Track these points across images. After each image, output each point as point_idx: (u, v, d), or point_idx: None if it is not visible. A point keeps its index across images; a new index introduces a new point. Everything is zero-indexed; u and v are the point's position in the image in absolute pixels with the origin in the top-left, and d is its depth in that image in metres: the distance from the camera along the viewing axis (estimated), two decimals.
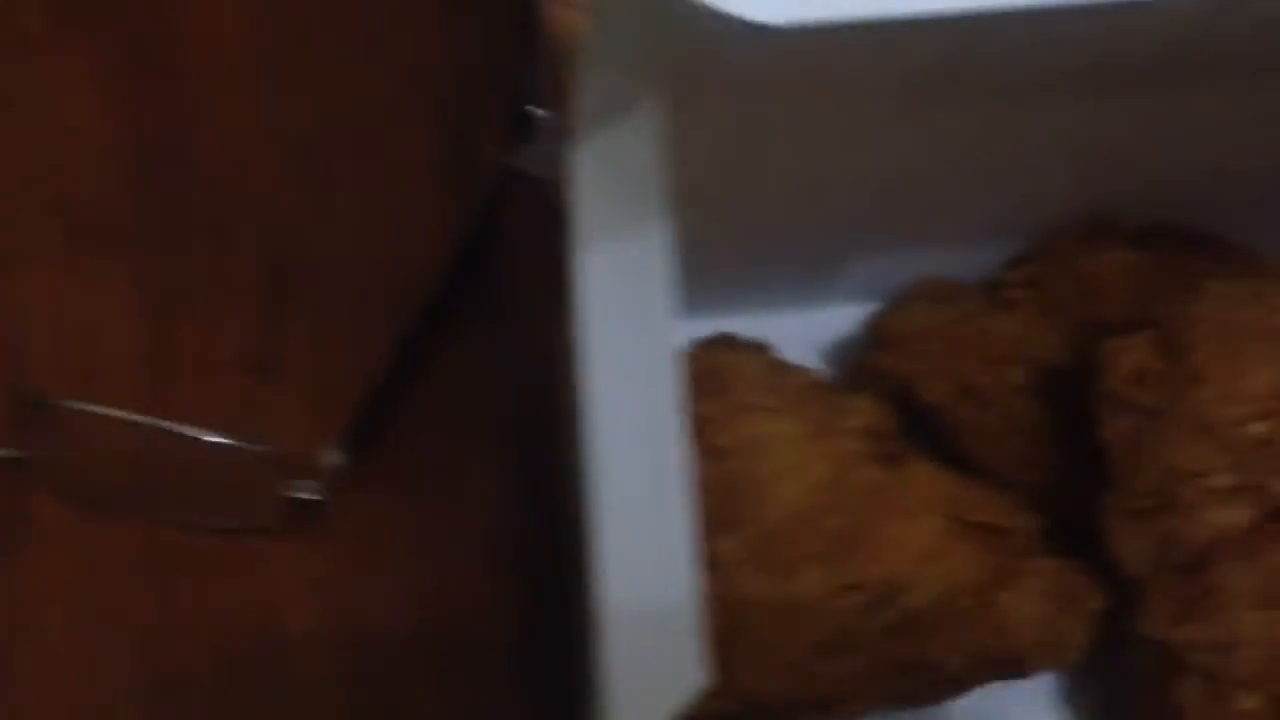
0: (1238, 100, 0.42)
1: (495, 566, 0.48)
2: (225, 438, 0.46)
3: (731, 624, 0.41)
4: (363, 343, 0.50)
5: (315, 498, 0.47)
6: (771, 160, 0.43)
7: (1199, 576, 0.39)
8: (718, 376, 0.44)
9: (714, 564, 0.41)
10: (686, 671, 0.33)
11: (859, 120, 0.40)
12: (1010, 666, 0.41)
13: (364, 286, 0.52)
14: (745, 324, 0.49)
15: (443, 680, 0.47)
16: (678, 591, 0.34)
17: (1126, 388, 0.38)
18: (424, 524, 0.49)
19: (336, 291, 0.52)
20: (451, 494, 0.49)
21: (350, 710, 0.47)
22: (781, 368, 0.45)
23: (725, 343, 0.47)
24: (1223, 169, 0.45)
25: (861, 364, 0.47)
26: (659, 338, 0.37)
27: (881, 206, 0.46)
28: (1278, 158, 0.45)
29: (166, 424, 0.46)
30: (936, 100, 0.40)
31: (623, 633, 0.34)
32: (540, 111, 0.51)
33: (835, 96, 0.39)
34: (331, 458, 0.47)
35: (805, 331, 0.50)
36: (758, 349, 0.47)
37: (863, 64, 0.36)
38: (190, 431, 0.46)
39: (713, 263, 0.48)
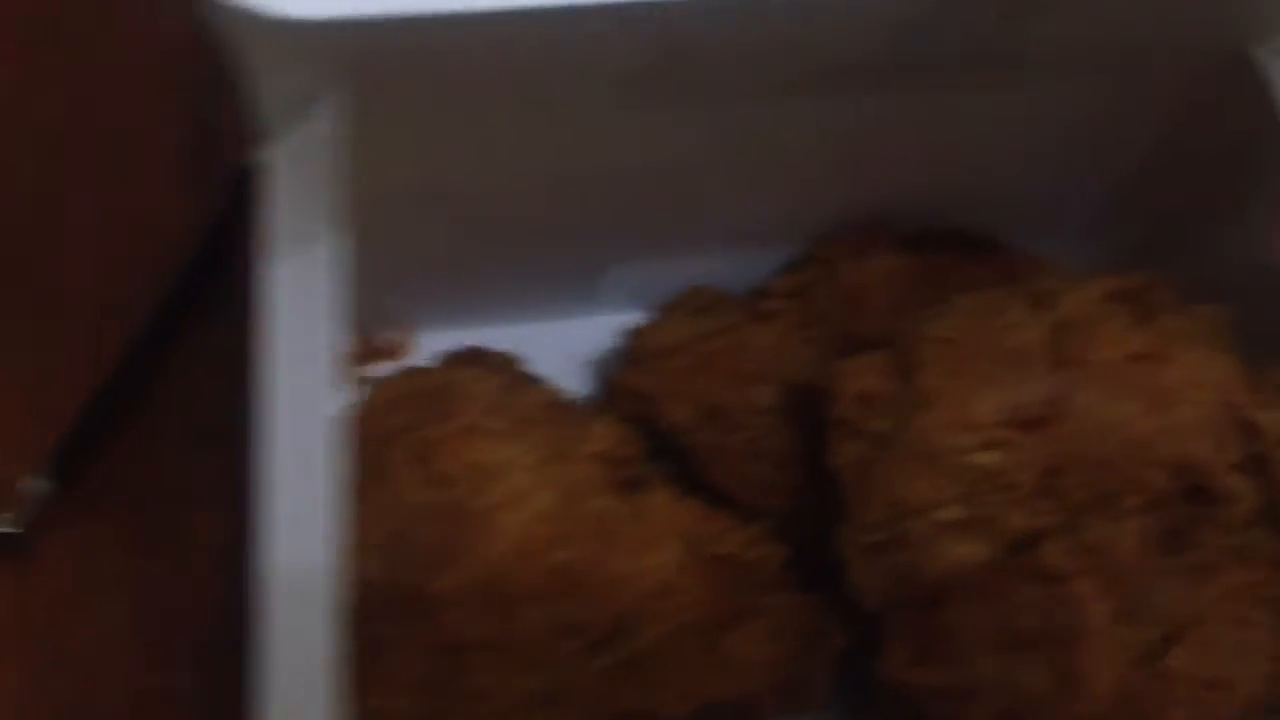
0: (993, 100, 0.39)
1: (221, 605, 0.44)
2: None
3: (448, 668, 0.38)
4: (86, 354, 0.46)
5: (12, 530, 0.43)
6: (501, 162, 0.39)
7: (936, 615, 0.36)
8: (446, 396, 0.41)
9: (433, 604, 0.38)
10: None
11: (579, 118, 0.37)
12: (744, 714, 0.38)
13: (89, 290, 0.48)
14: (502, 336, 0.46)
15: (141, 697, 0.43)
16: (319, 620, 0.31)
17: (855, 411, 0.35)
18: (142, 555, 0.45)
19: (56, 297, 0.47)
20: (175, 524, 0.45)
21: None
22: (518, 387, 0.41)
23: (465, 358, 0.44)
24: (992, 171, 0.43)
25: (611, 382, 0.43)
26: (323, 349, 0.34)
27: (634, 210, 0.43)
28: (1045, 158, 0.42)
29: None
30: (658, 98, 0.37)
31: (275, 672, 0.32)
32: None
33: (540, 93, 0.36)
34: (35, 486, 0.43)
35: (566, 343, 0.47)
36: (501, 365, 0.44)
37: (541, 61, 0.33)
38: None
39: (465, 271, 0.45)
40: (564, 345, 0.47)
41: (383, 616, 0.38)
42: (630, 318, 0.47)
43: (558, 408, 0.41)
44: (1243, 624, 0.37)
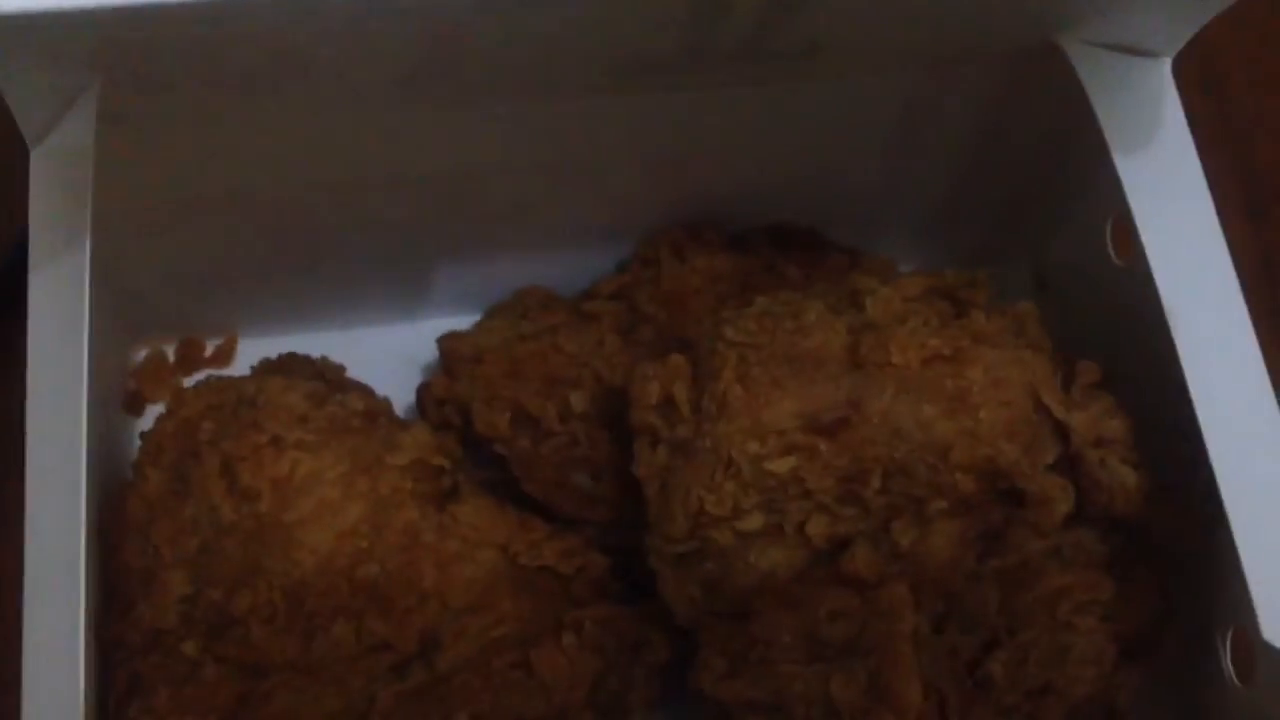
0: (806, 96, 0.38)
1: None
2: None
3: (247, 693, 0.37)
4: None
5: None
6: (293, 162, 0.38)
7: (746, 626, 0.35)
8: (253, 406, 0.39)
9: (232, 623, 0.37)
10: None
11: (363, 118, 0.36)
12: None
13: None
14: (331, 341, 0.45)
15: None
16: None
17: (655, 419, 0.34)
18: None
19: None
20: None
21: None
22: (329, 396, 0.40)
23: (277, 366, 0.43)
24: (816, 168, 0.42)
25: (424, 389, 0.42)
26: (80, 354, 0.34)
27: (454, 212, 0.42)
28: (867, 154, 0.42)
29: None
30: (443, 97, 0.36)
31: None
32: None
33: (315, 91, 0.35)
34: None
35: (395, 349, 0.46)
36: (314, 373, 0.42)
37: (305, 57, 0.33)
38: None
39: (284, 275, 0.44)
40: (390, 350, 0.46)
41: (189, 635, 0.37)
42: (460, 321, 0.46)
43: (369, 417, 0.40)
44: (1064, 628, 0.37)
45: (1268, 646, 0.33)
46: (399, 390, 0.44)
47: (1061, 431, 0.35)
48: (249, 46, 0.32)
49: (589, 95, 0.37)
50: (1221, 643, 0.37)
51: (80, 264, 0.34)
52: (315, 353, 0.45)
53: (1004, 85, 0.40)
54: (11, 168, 0.46)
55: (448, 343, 0.42)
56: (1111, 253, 0.40)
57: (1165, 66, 0.39)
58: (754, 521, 0.34)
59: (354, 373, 0.45)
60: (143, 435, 0.41)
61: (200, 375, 0.46)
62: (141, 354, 0.46)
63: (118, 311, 0.43)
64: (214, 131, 0.36)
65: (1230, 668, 0.37)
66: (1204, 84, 0.54)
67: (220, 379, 0.42)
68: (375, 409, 0.41)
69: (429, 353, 0.46)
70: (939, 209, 0.46)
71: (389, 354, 0.46)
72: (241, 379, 0.41)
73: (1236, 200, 0.53)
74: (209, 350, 0.47)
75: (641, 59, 0.34)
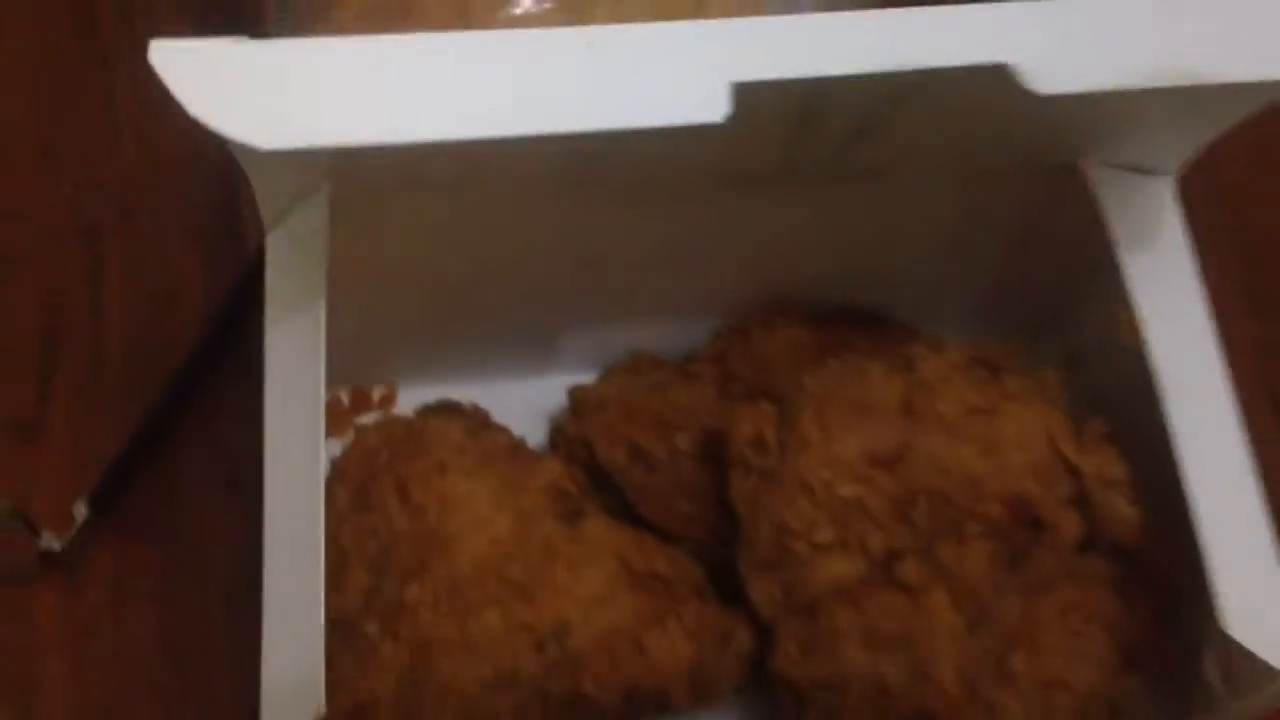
0: (869, 201, 0.48)
1: (235, 610, 0.52)
2: None
3: (418, 663, 0.46)
4: (125, 405, 0.55)
5: (56, 548, 0.51)
6: (464, 249, 0.48)
7: (816, 620, 0.44)
8: (421, 439, 0.49)
9: (405, 609, 0.46)
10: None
11: (525, 215, 0.46)
12: (661, 702, 0.46)
13: (128, 352, 0.56)
14: (474, 392, 0.55)
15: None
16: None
17: (747, 452, 0.44)
18: (169, 572, 0.53)
19: (102, 357, 0.56)
20: (195, 544, 0.53)
21: None
22: (481, 432, 0.50)
23: (439, 409, 0.52)
24: (877, 259, 0.51)
25: (557, 429, 0.52)
26: (312, 405, 0.42)
27: (581, 286, 0.52)
28: (920, 250, 0.51)
29: None
30: (585, 200, 0.45)
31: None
32: None
33: (490, 198, 0.45)
34: (79, 511, 0.51)
35: (529, 399, 0.55)
36: (468, 414, 0.52)
37: (485, 173, 0.42)
38: None
39: (440, 336, 0.53)
40: (525, 400, 0.55)
41: (369, 618, 0.46)
42: (583, 377, 0.55)
43: (514, 450, 0.49)
44: (1076, 634, 0.45)
45: (1228, 638, 0.41)
46: (530, 434, 0.54)
47: (1074, 473, 0.44)
48: (443, 163, 0.42)
49: (698, 200, 0.46)
50: (1208, 651, 0.45)
51: (316, 328, 0.43)
52: (462, 400, 0.55)
53: (1038, 198, 0.49)
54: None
55: (578, 392, 0.52)
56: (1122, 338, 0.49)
57: (1169, 183, 0.48)
58: (825, 535, 0.43)
59: (496, 418, 0.54)
60: (332, 461, 0.50)
61: (369, 416, 0.56)
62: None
63: None
64: (409, 224, 0.46)
65: (1214, 672, 0.45)
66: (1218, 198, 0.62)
67: (395, 417, 0.51)
68: (518, 444, 0.50)
69: (555, 403, 0.55)
70: (983, 298, 0.55)
71: (523, 403, 0.54)
72: (410, 418, 0.51)
73: (1240, 297, 0.61)
74: (376, 396, 0.56)
75: (744, 173, 0.44)
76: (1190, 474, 0.42)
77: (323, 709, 0.39)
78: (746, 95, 0.36)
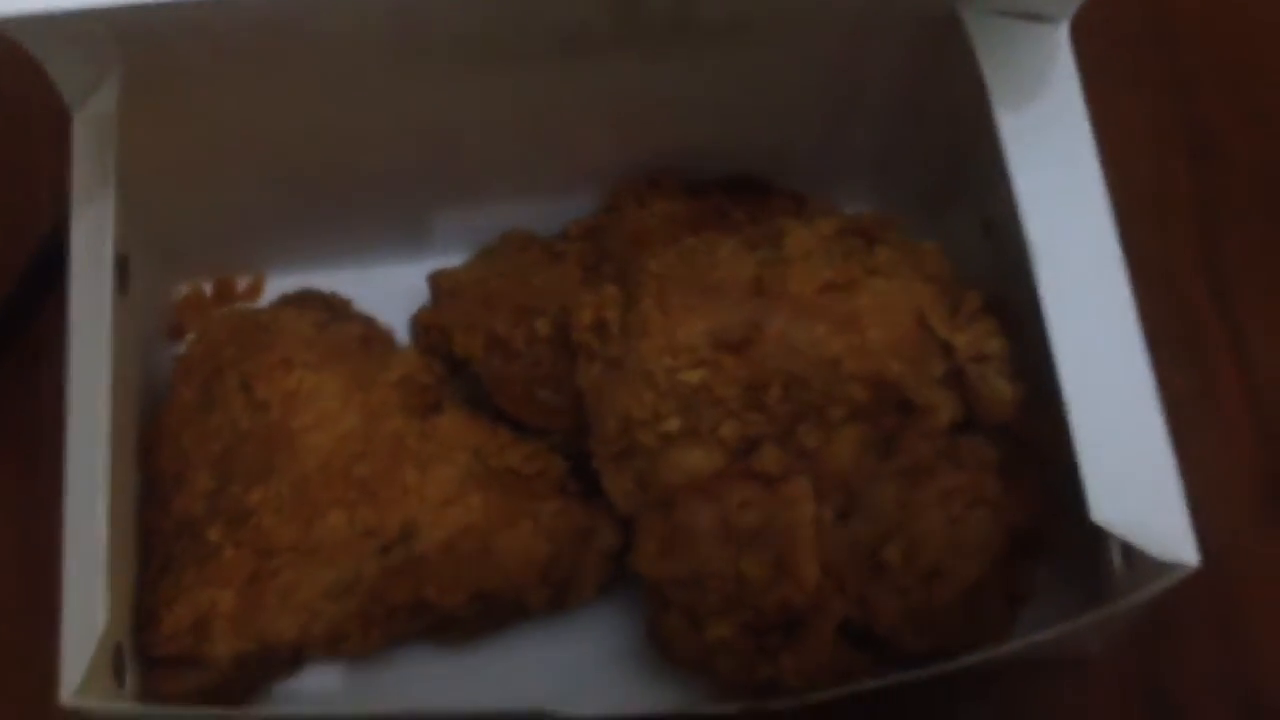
0: (738, 59, 0.44)
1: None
2: None
3: (259, 570, 0.43)
4: None
5: None
6: (295, 124, 0.45)
7: (672, 515, 0.41)
8: (268, 332, 0.46)
9: (248, 513, 0.44)
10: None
11: (356, 85, 0.42)
12: (517, 605, 0.43)
13: None
14: (346, 279, 0.52)
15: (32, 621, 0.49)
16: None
17: (589, 338, 0.41)
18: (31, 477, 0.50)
19: None
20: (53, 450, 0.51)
21: None
22: (333, 323, 0.47)
23: (293, 300, 0.50)
24: (756, 124, 0.48)
25: (415, 318, 0.49)
26: (107, 294, 0.40)
27: (439, 165, 0.48)
28: (798, 111, 0.47)
29: None
30: (424, 65, 0.42)
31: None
32: None
33: (304, 63, 0.41)
34: None
35: (402, 284, 0.52)
36: (323, 305, 0.49)
37: (295, 37, 0.39)
38: None
39: (301, 221, 0.50)
40: (399, 285, 0.52)
41: (212, 522, 0.44)
42: (459, 259, 0.52)
43: (366, 342, 0.47)
44: (955, 522, 0.42)
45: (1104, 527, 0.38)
46: (404, 319, 0.51)
47: (947, 350, 0.41)
48: (249, 27, 0.39)
49: (544, 62, 0.43)
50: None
51: (107, 211, 0.40)
52: (333, 287, 0.52)
53: (917, 51, 0.45)
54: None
55: (435, 279, 0.49)
56: None
57: (1061, 30, 0.43)
58: (672, 425, 0.40)
59: (364, 305, 0.51)
60: (178, 358, 0.48)
61: (233, 308, 0.53)
62: (183, 290, 0.53)
63: (161, 254, 0.49)
64: (229, 99, 0.43)
65: (1116, 554, 0.42)
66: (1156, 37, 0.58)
67: (241, 309, 0.48)
68: (372, 335, 0.48)
69: (421, 289, 0.52)
70: (882, 160, 0.51)
71: (395, 288, 0.51)
72: (258, 309, 0.48)
73: (1178, 143, 0.57)
74: (241, 287, 0.53)
75: (579, 31, 0.40)
76: (1058, 349, 0.39)
77: (102, 633, 0.36)
78: None
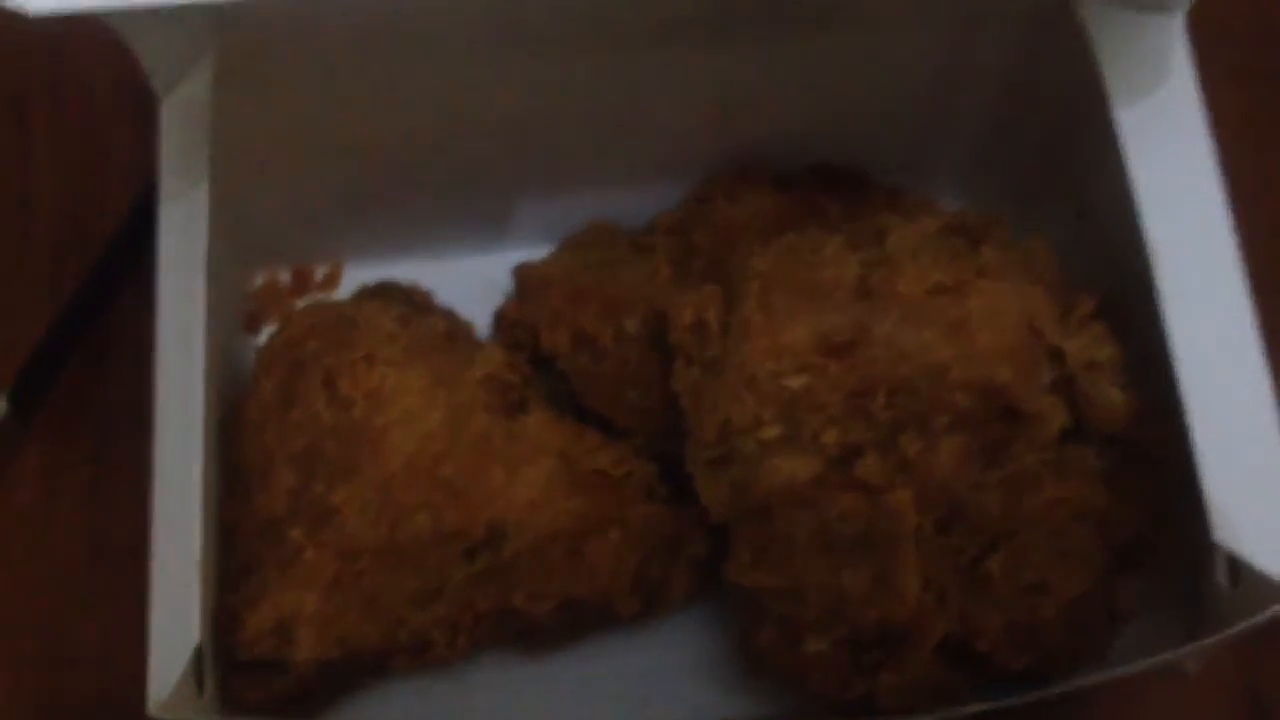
0: (840, 51, 0.43)
1: None
2: None
3: (342, 572, 0.42)
4: (51, 292, 0.51)
5: None
6: (381, 114, 0.43)
7: (769, 524, 0.39)
8: (351, 326, 0.45)
9: (331, 513, 0.43)
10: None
11: (451, 71, 0.41)
12: (606, 614, 0.42)
13: (46, 231, 0.53)
14: (425, 269, 0.51)
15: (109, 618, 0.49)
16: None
17: (688, 340, 0.39)
18: (100, 469, 0.50)
19: (14, 237, 0.52)
20: (130, 443, 0.50)
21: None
22: (417, 317, 0.46)
23: (375, 292, 0.48)
24: (856, 115, 0.46)
25: (500, 313, 0.48)
26: (200, 284, 0.39)
27: (524, 154, 0.47)
28: (902, 103, 0.45)
29: None
30: (517, 52, 0.41)
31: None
32: None
33: (410, 52, 0.40)
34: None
35: (483, 275, 0.51)
36: (405, 298, 0.48)
37: (402, 25, 0.37)
38: None
39: (383, 211, 0.49)
40: (479, 277, 0.51)
41: (295, 523, 0.43)
42: (541, 251, 0.51)
43: (450, 337, 0.45)
44: (1060, 534, 0.41)
45: (1220, 545, 0.36)
46: (484, 312, 0.50)
47: (1057, 356, 0.39)
48: (339, 16, 0.37)
49: (634, 50, 0.41)
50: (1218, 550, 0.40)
51: (201, 199, 0.39)
52: (411, 279, 0.51)
53: (1028, 41, 0.43)
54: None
55: (521, 272, 0.47)
56: None
57: (1176, 21, 0.42)
58: (773, 431, 0.38)
59: (444, 297, 0.50)
60: (258, 351, 0.47)
61: (311, 297, 0.52)
62: (260, 280, 0.52)
63: (239, 242, 0.48)
64: (322, 88, 0.42)
65: (1223, 573, 0.40)
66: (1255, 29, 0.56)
67: (324, 302, 0.47)
68: (456, 330, 0.46)
69: (510, 280, 0.51)
70: (980, 151, 0.49)
71: (476, 280, 0.51)
72: (341, 303, 0.47)
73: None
74: (319, 276, 0.52)
75: (672, 18, 0.39)
76: (1183, 363, 0.37)
77: (197, 646, 0.35)
78: None
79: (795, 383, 0.37)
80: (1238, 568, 0.38)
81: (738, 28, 0.40)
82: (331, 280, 0.52)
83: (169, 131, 0.40)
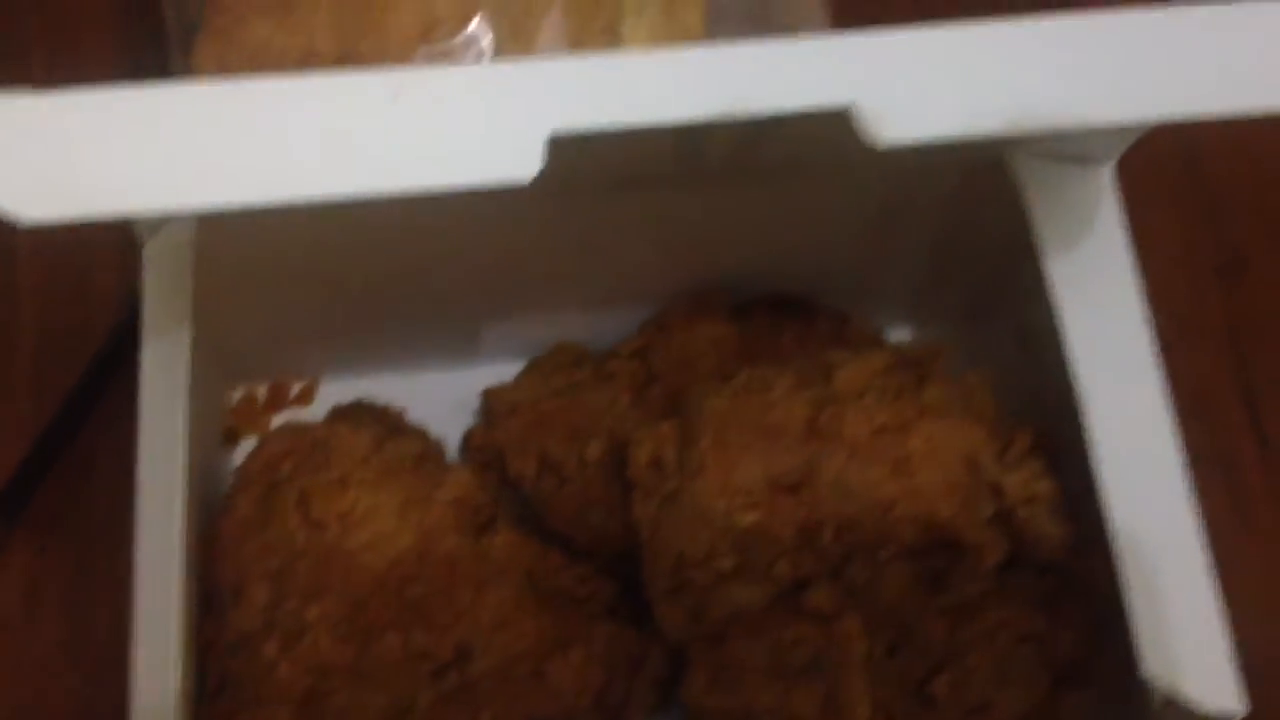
0: (781, 195, 0.45)
1: None
2: None
3: (315, 690, 0.44)
4: (35, 403, 0.53)
5: None
6: (351, 255, 0.45)
7: (723, 649, 0.42)
8: (325, 449, 0.47)
9: (304, 630, 0.44)
10: None
11: (414, 228, 0.43)
12: None
13: (39, 345, 0.54)
14: (397, 384, 0.53)
15: None
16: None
17: (645, 475, 0.41)
18: (82, 574, 0.51)
19: (14, 349, 0.54)
20: (109, 546, 0.52)
21: None
22: (389, 439, 0.47)
23: (349, 412, 0.50)
24: (804, 250, 0.48)
25: (468, 436, 0.50)
26: (185, 412, 0.42)
27: (494, 284, 0.49)
28: (843, 240, 0.48)
29: None
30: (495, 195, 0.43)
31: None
32: None
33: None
34: None
35: (454, 390, 0.53)
36: (377, 418, 0.50)
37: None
38: None
39: (356, 330, 0.51)
40: (451, 391, 0.53)
41: (269, 639, 0.45)
42: (510, 367, 0.53)
43: (422, 458, 0.47)
44: (1003, 656, 0.43)
45: (1153, 681, 0.38)
46: (455, 427, 0.52)
47: (997, 491, 0.42)
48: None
49: (601, 196, 0.43)
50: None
51: (184, 339, 0.41)
52: (384, 393, 0.53)
53: (966, 189, 0.46)
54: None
55: (488, 397, 0.49)
56: None
57: (1105, 170, 0.44)
58: (727, 563, 0.40)
59: (416, 412, 0.52)
60: (236, 470, 0.48)
61: (287, 413, 0.54)
62: (238, 395, 0.54)
63: (217, 359, 0.50)
64: (298, 227, 0.43)
65: (1159, 700, 0.42)
66: (1184, 158, 0.59)
67: (299, 424, 0.49)
68: (427, 451, 0.48)
69: (473, 396, 0.53)
70: (923, 281, 0.52)
71: (447, 396, 0.53)
72: (316, 425, 0.49)
73: (1205, 264, 0.58)
74: (294, 391, 0.54)
75: (643, 175, 0.41)
76: (1111, 499, 0.39)
77: None
78: (561, 149, 0.33)
79: (748, 519, 0.40)
80: (1169, 698, 0.40)
81: (697, 180, 0.42)
82: (306, 395, 0.54)
83: (152, 273, 0.42)
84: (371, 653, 0.44)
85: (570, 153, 0.33)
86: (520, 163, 0.32)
